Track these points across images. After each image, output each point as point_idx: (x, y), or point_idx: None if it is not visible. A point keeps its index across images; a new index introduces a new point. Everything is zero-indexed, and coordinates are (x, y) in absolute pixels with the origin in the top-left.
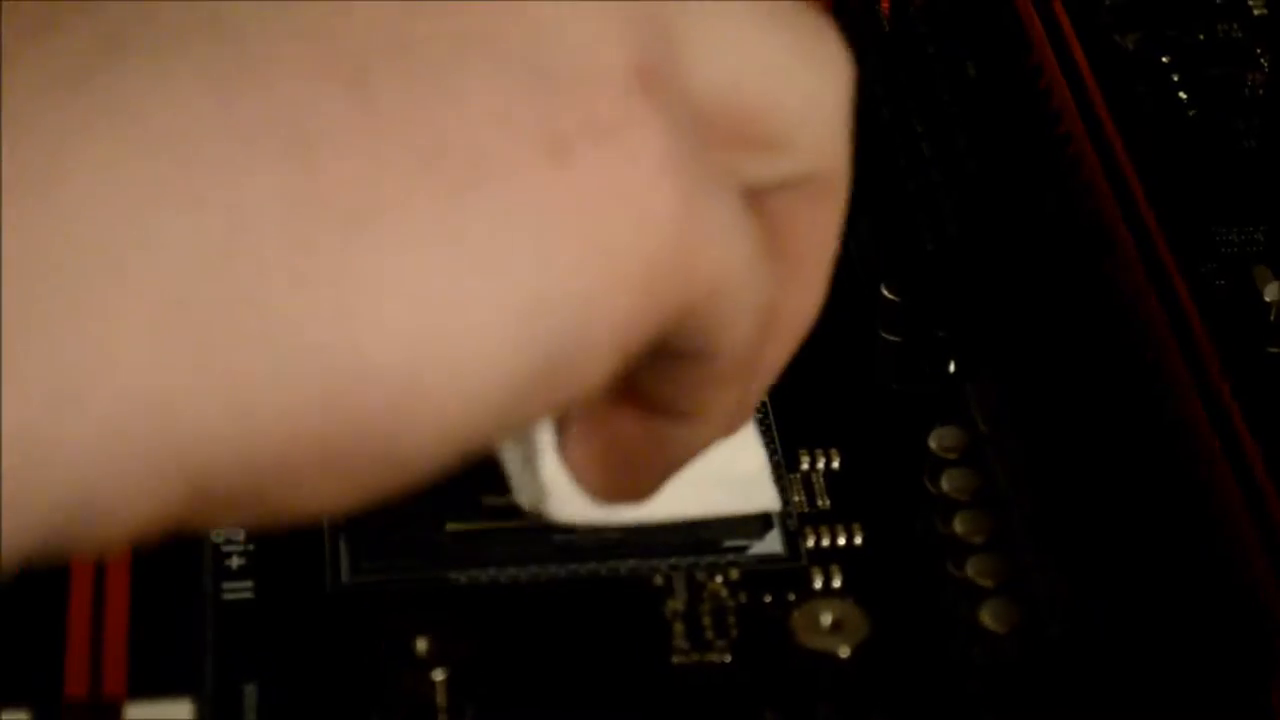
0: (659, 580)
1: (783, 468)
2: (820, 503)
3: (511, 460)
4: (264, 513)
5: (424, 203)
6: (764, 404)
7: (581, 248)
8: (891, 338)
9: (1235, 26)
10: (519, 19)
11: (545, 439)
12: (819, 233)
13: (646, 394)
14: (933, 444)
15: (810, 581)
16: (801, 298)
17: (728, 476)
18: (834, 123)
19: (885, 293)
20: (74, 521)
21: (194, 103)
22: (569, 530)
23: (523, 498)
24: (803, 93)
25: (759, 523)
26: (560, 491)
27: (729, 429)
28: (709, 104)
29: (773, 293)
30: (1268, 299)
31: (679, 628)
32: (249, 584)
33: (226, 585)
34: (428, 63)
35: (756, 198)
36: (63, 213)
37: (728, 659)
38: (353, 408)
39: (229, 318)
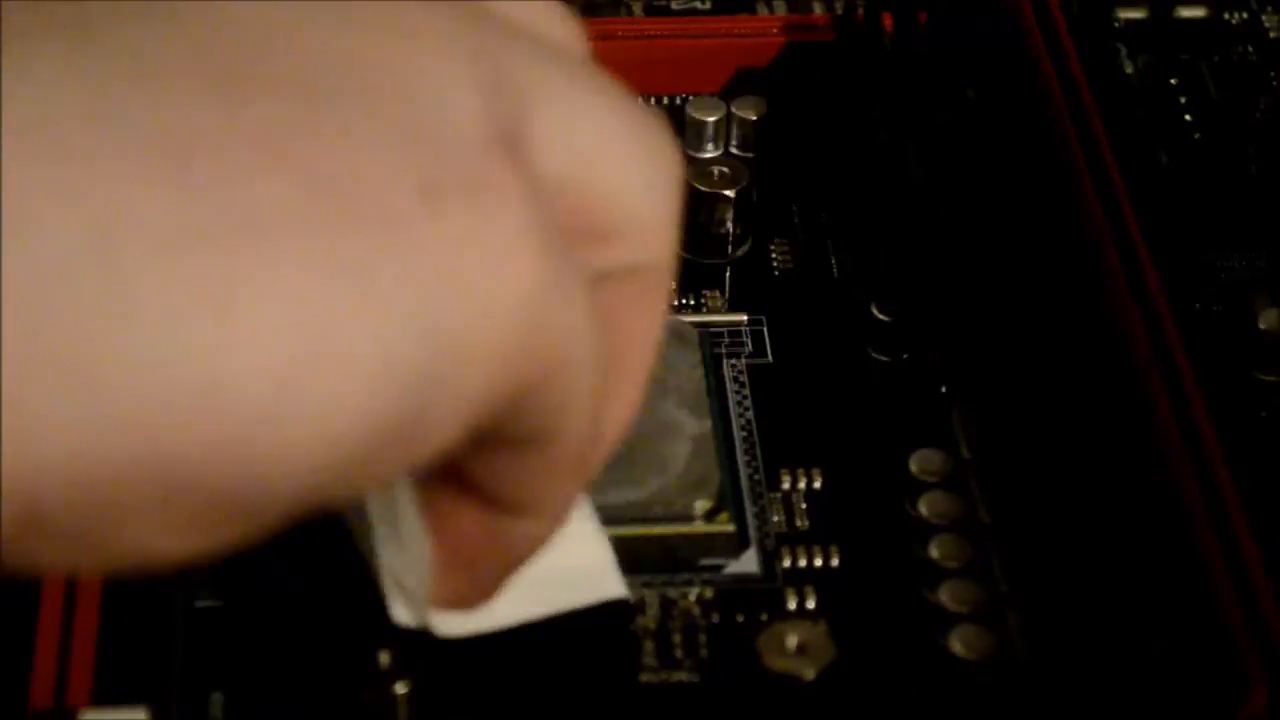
0: (632, 597)
1: (763, 486)
2: (799, 523)
3: (387, 574)
4: (99, 549)
5: (302, 229)
6: (748, 421)
7: (450, 296)
8: (881, 358)
9: (1250, 49)
10: (387, 68)
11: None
12: (643, 328)
13: (486, 488)
14: (913, 467)
15: (784, 602)
16: (624, 394)
17: (574, 571)
18: (666, 216)
19: (876, 313)
20: None
21: (70, 99)
22: None
23: (400, 615)
24: (638, 184)
25: (735, 542)
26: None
27: (562, 519)
28: (551, 186)
29: (602, 390)
30: (1263, 326)
31: (649, 645)
32: (217, 594)
33: (196, 594)
34: (309, 92)
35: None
36: None
37: (695, 679)
38: (204, 432)
39: (83, 321)
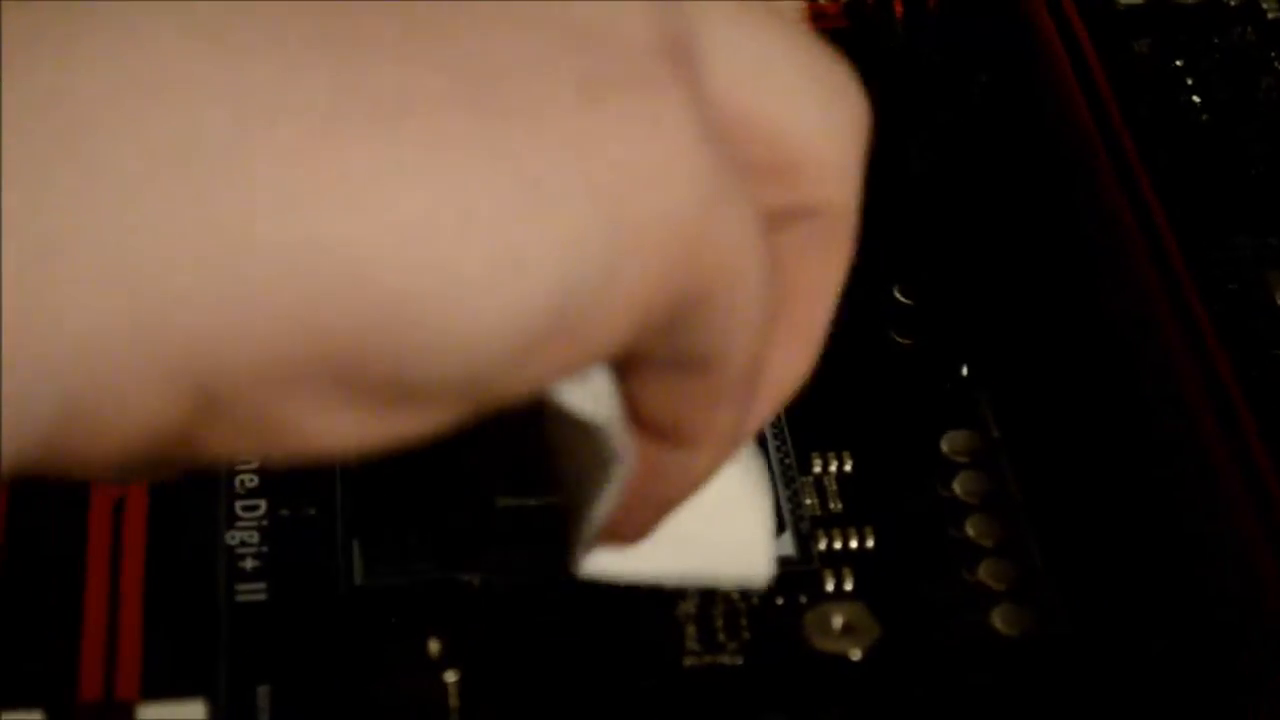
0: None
1: (794, 470)
2: (832, 506)
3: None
4: (272, 434)
5: (459, 114)
6: None
7: (609, 192)
8: (904, 341)
9: (1249, 30)
10: None
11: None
12: (820, 279)
13: (646, 413)
14: (944, 447)
15: (822, 584)
16: (794, 350)
17: (725, 543)
18: (848, 160)
19: (898, 296)
20: (72, 420)
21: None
22: None
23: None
24: (820, 124)
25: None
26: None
27: (723, 457)
28: (724, 112)
29: (770, 317)
30: (1279, 302)
31: (691, 630)
32: (262, 586)
33: (240, 587)
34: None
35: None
36: (80, 64)
37: (739, 661)
38: (361, 314)
39: (242, 201)
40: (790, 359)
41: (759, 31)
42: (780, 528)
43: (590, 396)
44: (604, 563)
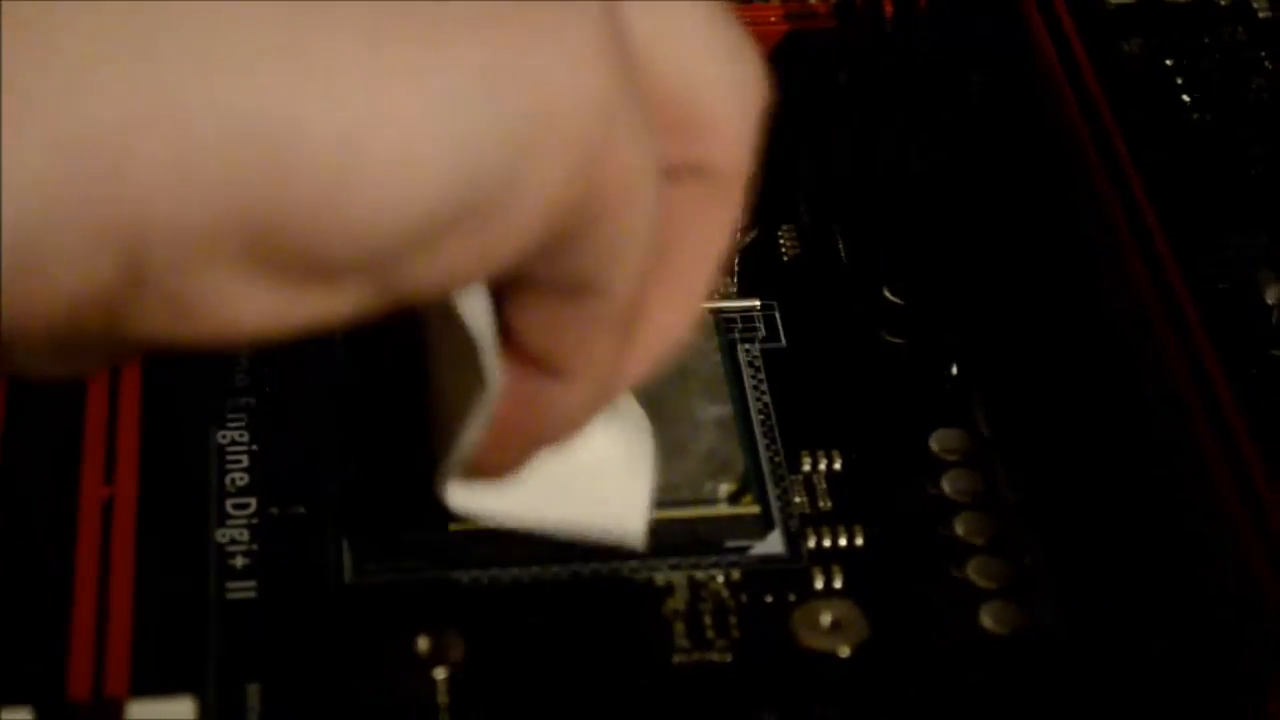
0: (660, 580)
1: (784, 468)
2: (822, 504)
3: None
4: (189, 310)
5: (386, 17)
6: (766, 404)
7: (514, 91)
8: (894, 340)
9: (1240, 30)
10: None
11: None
12: (706, 239)
13: (527, 339)
14: (934, 446)
15: (811, 582)
16: (676, 304)
17: (601, 498)
18: (743, 126)
19: (888, 295)
20: (12, 273)
21: None
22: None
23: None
24: (720, 87)
25: (760, 523)
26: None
27: (597, 395)
28: (638, 53)
29: (656, 254)
30: (1270, 301)
31: (680, 627)
32: (252, 583)
33: (230, 585)
34: None
35: None
36: None
37: (728, 659)
38: (282, 184)
39: (176, 73)
40: (671, 313)
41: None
42: (769, 525)
43: (471, 313)
44: (474, 499)
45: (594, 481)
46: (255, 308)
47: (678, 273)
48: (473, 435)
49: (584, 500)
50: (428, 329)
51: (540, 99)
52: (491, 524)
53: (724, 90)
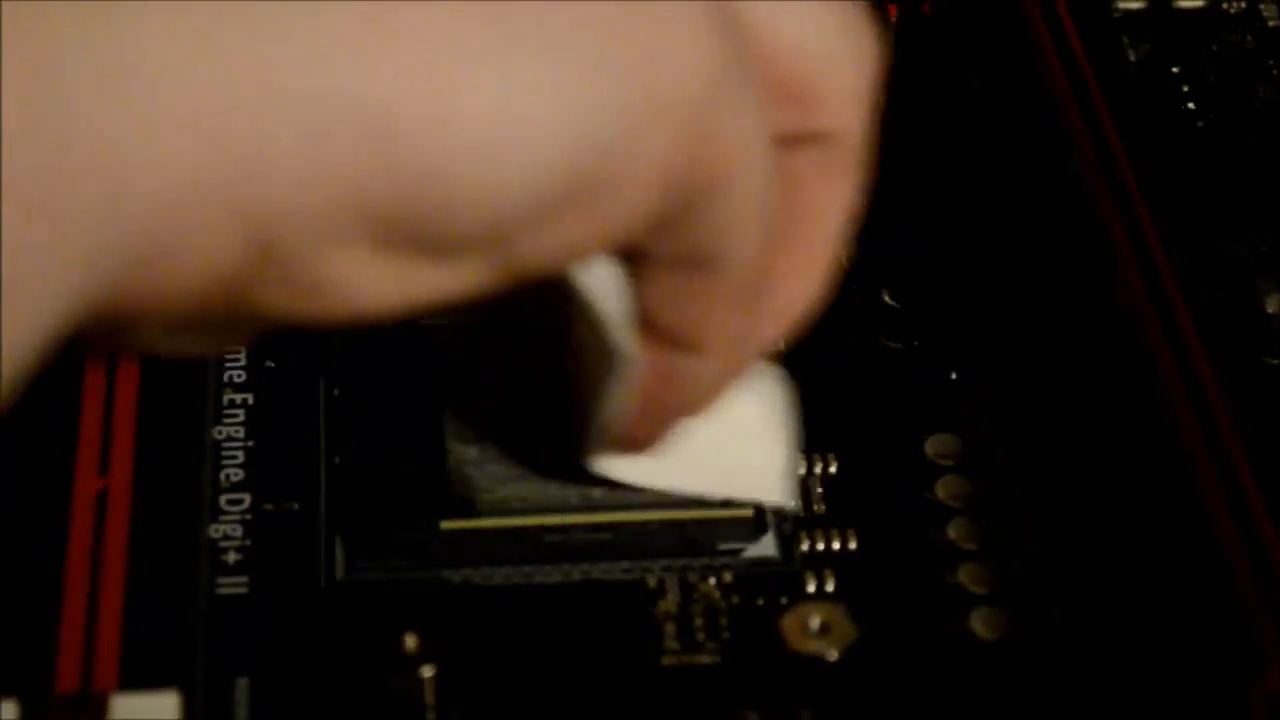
0: (652, 582)
1: None
2: (816, 507)
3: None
4: (316, 285)
5: None
6: None
7: (623, 66)
8: (892, 344)
9: (1249, 38)
10: None
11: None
12: (828, 205)
13: (655, 315)
14: (929, 450)
15: (803, 585)
16: (803, 272)
17: (749, 465)
18: (861, 93)
19: (886, 299)
20: (141, 262)
21: None
22: (563, 530)
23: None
24: (834, 51)
25: (753, 526)
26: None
27: (732, 365)
28: (744, 28)
29: (776, 223)
30: (1269, 310)
31: (670, 629)
32: (244, 579)
33: (222, 580)
34: None
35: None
36: None
37: (718, 660)
38: (401, 159)
39: (307, 48)
40: (799, 280)
41: None
42: (762, 528)
43: (602, 293)
44: (619, 466)
45: (737, 445)
46: (377, 285)
47: (802, 240)
48: (611, 409)
49: (730, 465)
50: (553, 308)
51: (647, 75)
52: (646, 487)
53: (834, 58)
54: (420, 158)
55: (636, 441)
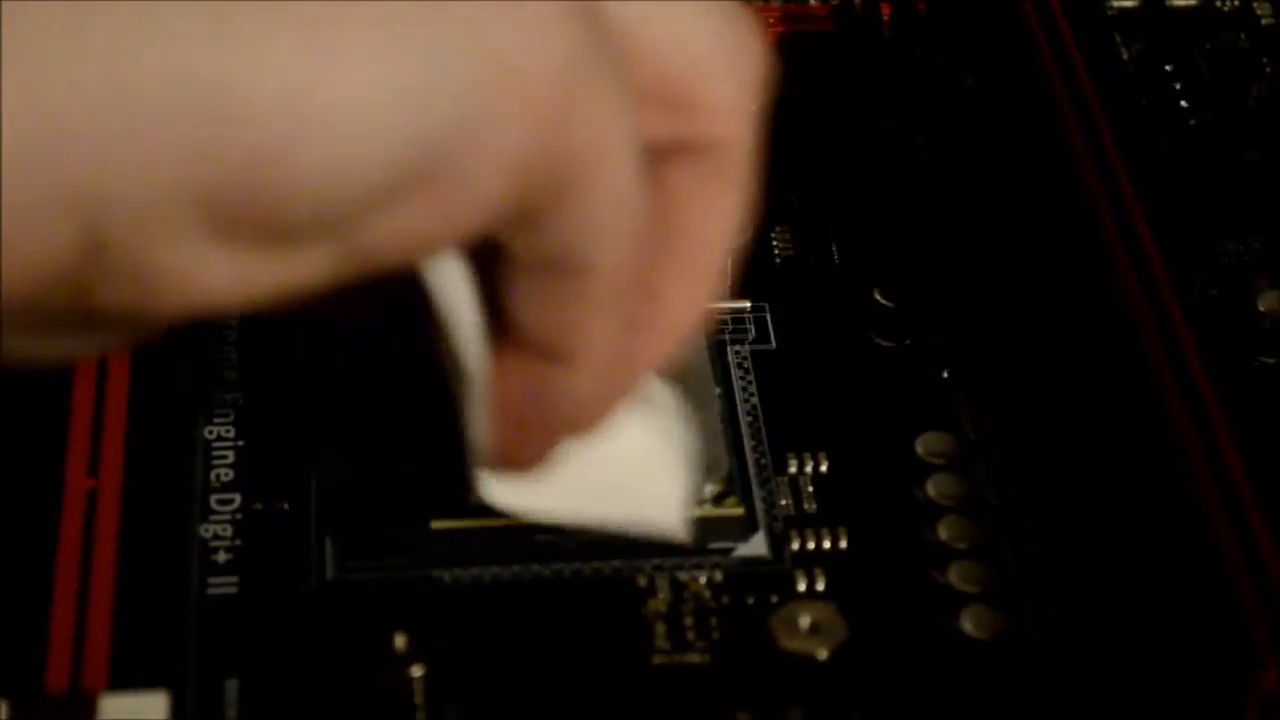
0: (642, 581)
1: (770, 470)
2: (807, 506)
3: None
4: (154, 278)
5: None
6: (753, 406)
7: (473, 51)
8: (884, 343)
9: (1242, 36)
10: None
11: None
12: (712, 219)
13: (513, 318)
14: (920, 449)
15: (794, 584)
16: (688, 286)
17: (638, 491)
18: (743, 100)
19: (879, 298)
20: None
21: None
22: (554, 530)
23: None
24: (718, 61)
25: (743, 525)
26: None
27: (607, 382)
28: (622, 28)
29: (646, 227)
30: (1262, 309)
31: (660, 628)
32: (234, 579)
33: (212, 580)
34: None
35: (653, 164)
36: None
37: (708, 660)
38: (235, 142)
39: (137, 35)
40: (685, 295)
41: None
42: (753, 527)
43: (456, 298)
44: (505, 494)
45: (629, 474)
46: (220, 275)
47: (685, 255)
48: (475, 426)
49: (620, 494)
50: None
51: (495, 63)
52: (528, 519)
53: (716, 62)
54: (256, 140)
55: (513, 461)
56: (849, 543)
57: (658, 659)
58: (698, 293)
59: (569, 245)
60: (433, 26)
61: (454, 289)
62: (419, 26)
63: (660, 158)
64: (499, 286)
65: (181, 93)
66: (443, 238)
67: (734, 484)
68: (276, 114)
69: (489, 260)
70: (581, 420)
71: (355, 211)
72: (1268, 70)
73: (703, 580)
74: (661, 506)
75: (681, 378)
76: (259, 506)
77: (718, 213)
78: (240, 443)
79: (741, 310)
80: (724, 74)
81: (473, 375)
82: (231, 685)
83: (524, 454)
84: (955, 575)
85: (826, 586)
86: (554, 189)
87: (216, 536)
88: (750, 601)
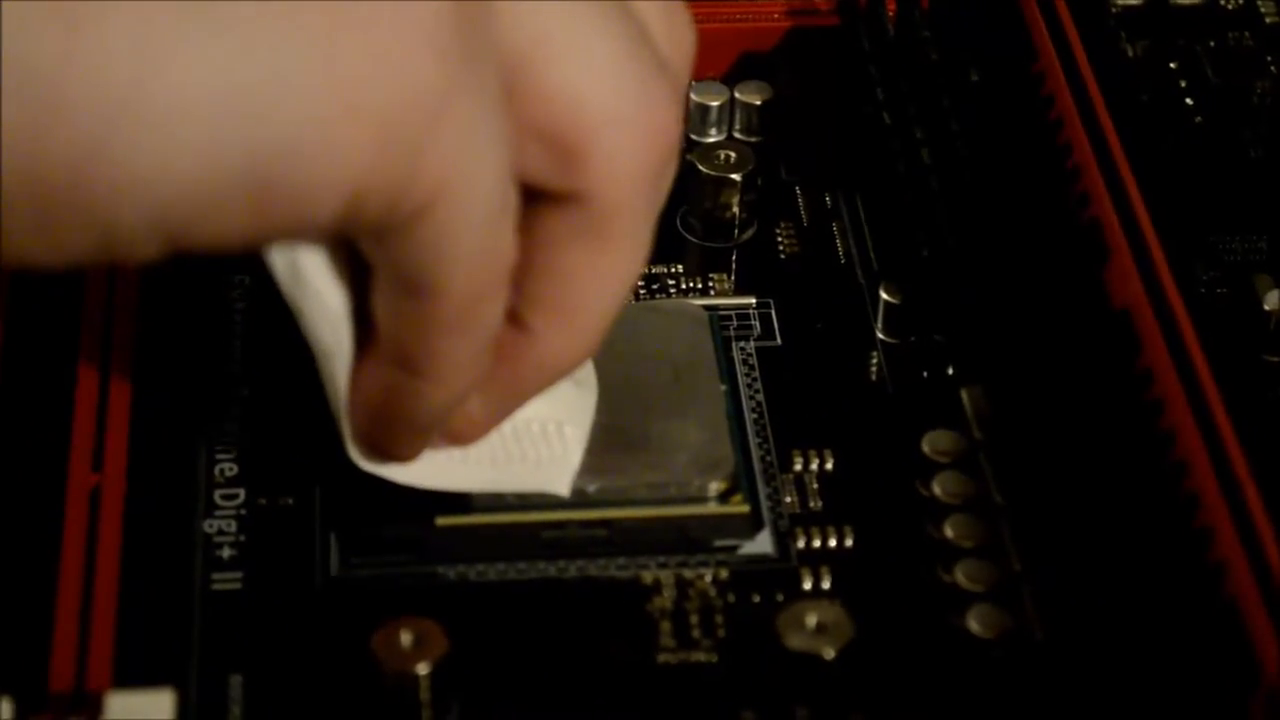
0: (648, 579)
1: (775, 467)
2: (812, 504)
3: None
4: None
5: None
6: (759, 403)
7: (325, 74)
8: (889, 340)
9: (1246, 34)
10: None
11: None
12: (580, 269)
13: (376, 324)
14: (926, 448)
15: (799, 583)
16: (556, 327)
17: (531, 455)
18: (631, 163)
19: (885, 295)
20: None
21: None
22: (559, 527)
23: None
24: (616, 119)
25: (749, 523)
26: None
27: (464, 396)
28: (523, 65)
29: (505, 260)
30: (1267, 308)
31: (666, 626)
32: (238, 575)
33: (216, 576)
34: None
35: (532, 202)
36: None
37: (714, 658)
38: (55, 135)
39: None
40: (554, 335)
41: (585, 17)
42: (758, 525)
43: (323, 285)
44: (387, 469)
45: (512, 440)
46: (37, 247)
47: (555, 299)
48: (335, 400)
49: (503, 457)
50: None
51: (343, 87)
52: (407, 484)
53: (610, 120)
54: (73, 133)
55: (380, 450)
56: (855, 541)
57: (663, 657)
58: (568, 336)
59: (417, 266)
60: (283, 40)
61: (323, 273)
62: (268, 37)
63: (541, 199)
64: (366, 288)
65: (13, 78)
66: (274, 239)
67: (739, 482)
68: (97, 108)
69: (361, 259)
70: (446, 427)
71: (176, 210)
72: (1272, 68)
73: (708, 578)
74: (547, 466)
75: (687, 375)
76: (263, 502)
77: (585, 266)
78: (244, 438)
79: (747, 307)
80: (617, 133)
81: (332, 355)
82: (236, 681)
83: (389, 446)
84: (961, 574)
85: (832, 585)
86: (401, 213)
87: (221, 532)
88: (756, 600)
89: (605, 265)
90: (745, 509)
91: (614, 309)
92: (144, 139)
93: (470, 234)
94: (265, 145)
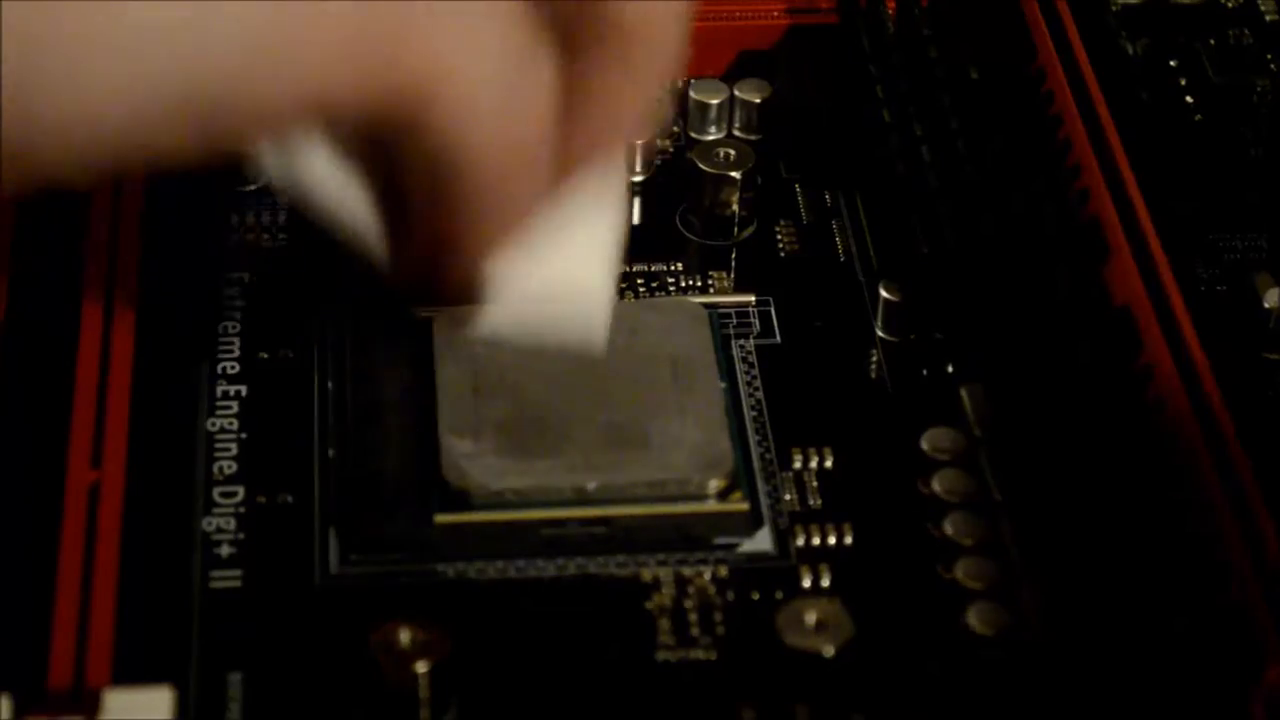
0: (647, 576)
1: (775, 465)
2: (812, 502)
3: None
4: None
5: None
6: (759, 400)
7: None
8: (889, 338)
9: (1246, 33)
10: None
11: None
12: (616, 93)
13: (417, 218)
14: (925, 445)
15: (799, 580)
16: (622, 80)
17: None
18: None
19: (884, 293)
20: None
21: None
22: (558, 524)
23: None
24: None
25: (749, 520)
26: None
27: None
28: None
29: (535, 123)
30: (1267, 306)
31: (665, 624)
32: (237, 573)
33: (215, 574)
34: None
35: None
36: None
37: (713, 656)
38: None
39: None
40: (620, 84)
41: None
42: (758, 522)
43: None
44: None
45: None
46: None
47: (586, 126)
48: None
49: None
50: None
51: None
52: None
53: None
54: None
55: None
56: (854, 538)
57: (662, 655)
58: (631, 94)
59: (434, 153)
60: None
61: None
62: None
63: (573, 39)
64: (388, 175)
65: None
66: (242, 149)
67: (739, 479)
68: (19, 46)
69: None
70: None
71: (114, 141)
72: (1272, 66)
73: (707, 576)
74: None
75: (686, 372)
76: (262, 500)
77: (622, 92)
78: (243, 435)
79: (746, 304)
80: None
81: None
82: (235, 679)
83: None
84: (961, 571)
85: (832, 582)
86: (408, 101)
87: (220, 530)
88: (755, 597)
89: (637, 82)
90: (744, 506)
91: (629, 129)
92: (60, 79)
93: (484, 115)
94: (201, 74)
